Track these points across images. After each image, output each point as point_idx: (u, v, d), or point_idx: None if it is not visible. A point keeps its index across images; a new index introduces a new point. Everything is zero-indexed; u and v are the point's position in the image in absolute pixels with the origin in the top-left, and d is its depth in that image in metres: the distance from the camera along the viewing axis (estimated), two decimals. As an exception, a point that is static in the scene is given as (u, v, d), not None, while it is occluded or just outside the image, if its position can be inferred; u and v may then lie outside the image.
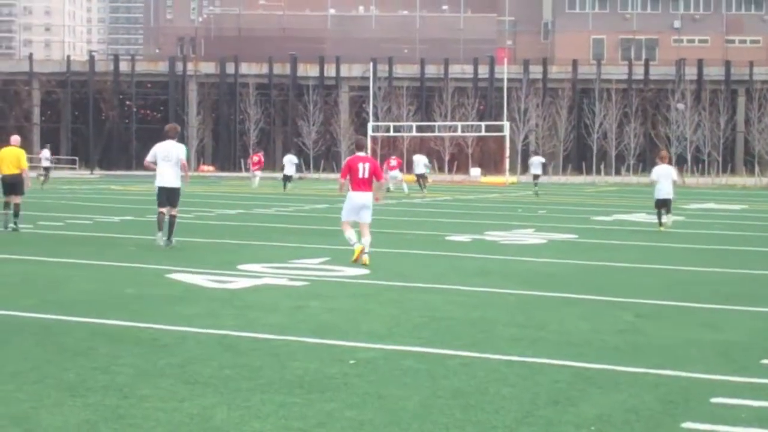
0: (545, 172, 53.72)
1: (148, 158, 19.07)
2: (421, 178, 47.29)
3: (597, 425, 6.76)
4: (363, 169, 16.47)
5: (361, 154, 17.05)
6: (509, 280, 14.41)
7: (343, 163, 17.23)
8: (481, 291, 13.33)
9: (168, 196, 18.64)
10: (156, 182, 18.92)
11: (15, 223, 21.91)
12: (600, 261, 17.58)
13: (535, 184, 47.18)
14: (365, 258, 16.04)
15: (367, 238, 16.35)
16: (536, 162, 48.70)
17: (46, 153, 53.82)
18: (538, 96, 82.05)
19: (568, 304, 12.23)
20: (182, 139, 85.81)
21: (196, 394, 7.39)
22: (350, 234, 16.50)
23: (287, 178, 48.24)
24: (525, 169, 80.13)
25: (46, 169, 51.88)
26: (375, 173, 16.72)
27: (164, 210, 18.52)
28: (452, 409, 7.11)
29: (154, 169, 18.89)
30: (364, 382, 7.86)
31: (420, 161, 47.92)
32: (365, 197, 16.57)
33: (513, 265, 16.66)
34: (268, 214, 29.51)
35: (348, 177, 16.65)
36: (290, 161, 49.56)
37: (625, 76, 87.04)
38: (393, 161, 47.77)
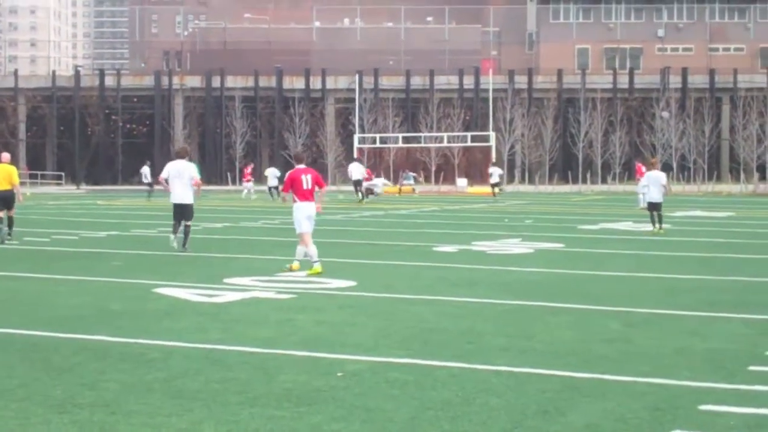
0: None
1: (163, 174, 21.07)
2: (358, 184, 49.39)
3: (585, 435, 6.76)
4: (306, 181, 17.19)
5: (302, 166, 17.57)
6: (497, 290, 14.41)
7: (286, 176, 17.79)
8: (468, 301, 13.33)
9: (181, 212, 20.74)
10: (171, 199, 20.97)
11: (9, 234, 23.08)
12: (587, 270, 17.60)
13: (494, 192, 52.74)
14: (318, 267, 16.65)
15: (308, 248, 16.93)
16: (495, 172, 54.56)
17: (146, 170, 53.66)
18: (523, 106, 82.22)
19: (556, 314, 12.24)
20: (168, 152, 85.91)
21: (184, 409, 7.37)
22: (312, 250, 16.84)
23: (275, 189, 50.06)
24: (513, 178, 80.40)
25: (150, 185, 51.38)
26: (317, 183, 17.50)
27: (178, 222, 20.83)
28: (440, 420, 7.10)
29: (167, 186, 20.92)
30: (352, 394, 7.85)
31: (355, 169, 50.19)
32: (311, 207, 17.31)
33: (500, 275, 16.66)
34: (255, 227, 29.47)
35: (291, 190, 17.30)
36: (273, 174, 51.93)
37: (609, 85, 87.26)
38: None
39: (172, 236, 20.89)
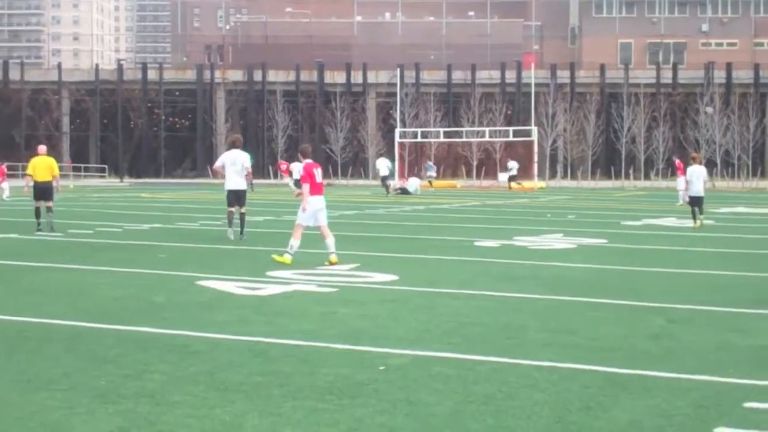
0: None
1: (217, 164, 22.43)
2: (384, 180, 49.78)
3: (629, 431, 6.73)
4: (318, 174, 17.51)
5: (309, 160, 17.73)
6: (538, 286, 14.35)
7: (302, 169, 17.87)
8: (510, 296, 13.29)
9: (237, 197, 21.66)
10: (225, 186, 21.86)
11: (49, 224, 23.64)
12: (630, 266, 17.49)
13: (510, 185, 54.35)
14: (334, 258, 16.91)
15: (331, 239, 17.21)
16: (514, 166, 58.28)
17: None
18: (565, 101, 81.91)
19: (599, 309, 12.17)
20: (210, 146, 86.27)
21: (228, 401, 7.40)
22: (297, 243, 17.18)
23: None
24: (555, 174, 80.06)
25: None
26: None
27: (233, 209, 21.65)
28: (483, 415, 7.08)
29: (223, 174, 21.86)
30: (395, 388, 7.85)
31: (382, 164, 51.64)
32: (323, 200, 17.57)
33: (542, 270, 16.59)
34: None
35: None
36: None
37: (653, 80, 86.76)
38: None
39: (229, 229, 21.61)
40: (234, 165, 21.59)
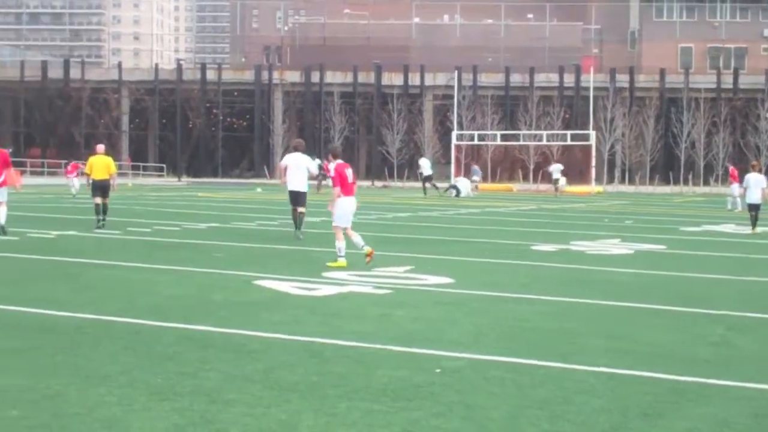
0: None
1: (282, 163, 23.47)
2: (427, 180, 49.99)
3: (688, 439, 6.66)
4: (350, 174, 17.49)
5: (339, 161, 17.67)
6: (595, 291, 14.25)
7: (333, 172, 17.74)
8: (567, 301, 13.20)
9: (296, 198, 22.49)
10: (288, 186, 22.68)
11: (103, 220, 24.41)
12: (689, 272, 17.31)
13: (556, 189, 49.45)
14: (369, 249, 16.84)
15: (357, 236, 17.11)
16: (556, 168, 54.40)
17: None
18: (624, 105, 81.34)
19: (657, 315, 12.06)
20: (267, 147, 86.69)
21: (283, 400, 7.42)
22: (342, 245, 17.01)
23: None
24: (613, 178, 79.53)
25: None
26: (354, 177, 17.92)
27: (296, 208, 22.47)
28: (540, 419, 7.04)
29: (284, 176, 22.79)
30: (451, 390, 7.82)
31: (425, 164, 51.32)
32: (355, 201, 17.74)
33: (599, 276, 16.48)
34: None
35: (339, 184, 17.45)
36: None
37: (713, 85, 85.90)
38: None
39: (295, 231, 22.41)
40: (297, 168, 22.51)
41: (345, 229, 17.25)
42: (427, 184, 50.30)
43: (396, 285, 14.41)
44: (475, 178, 62.63)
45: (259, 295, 13.11)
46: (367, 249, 16.86)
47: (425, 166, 51.46)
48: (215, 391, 7.65)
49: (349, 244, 17.07)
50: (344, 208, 17.32)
